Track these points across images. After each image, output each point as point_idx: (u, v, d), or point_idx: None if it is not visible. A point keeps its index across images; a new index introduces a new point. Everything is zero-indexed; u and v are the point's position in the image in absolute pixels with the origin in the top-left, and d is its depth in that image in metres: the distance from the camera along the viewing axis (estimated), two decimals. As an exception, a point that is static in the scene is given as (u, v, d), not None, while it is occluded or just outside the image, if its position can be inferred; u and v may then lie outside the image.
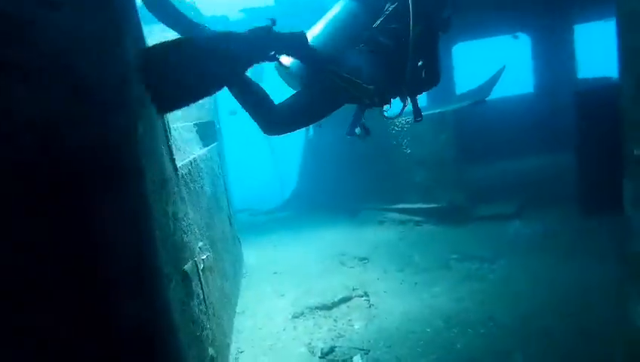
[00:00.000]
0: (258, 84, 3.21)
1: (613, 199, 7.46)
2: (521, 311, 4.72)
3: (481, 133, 9.71)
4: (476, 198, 8.58)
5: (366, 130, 3.75)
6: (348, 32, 3.34)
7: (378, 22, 3.36)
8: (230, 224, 6.56)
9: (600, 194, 7.62)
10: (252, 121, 3.26)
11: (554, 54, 10.49)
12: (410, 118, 3.89)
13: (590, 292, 4.77)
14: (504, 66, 10.37)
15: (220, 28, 3.25)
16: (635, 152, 2.31)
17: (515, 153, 10.74)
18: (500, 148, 10.53)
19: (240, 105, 3.21)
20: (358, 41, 3.33)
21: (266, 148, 16.53)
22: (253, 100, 3.17)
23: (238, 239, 7.35)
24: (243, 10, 11.93)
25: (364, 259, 6.97)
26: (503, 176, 9.54)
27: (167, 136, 3.21)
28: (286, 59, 3.22)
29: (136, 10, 2.30)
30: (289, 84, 3.42)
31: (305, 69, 3.23)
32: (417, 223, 8.31)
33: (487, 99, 9.59)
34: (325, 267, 6.88)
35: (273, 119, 3.25)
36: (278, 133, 3.39)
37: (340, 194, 10.03)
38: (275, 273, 6.89)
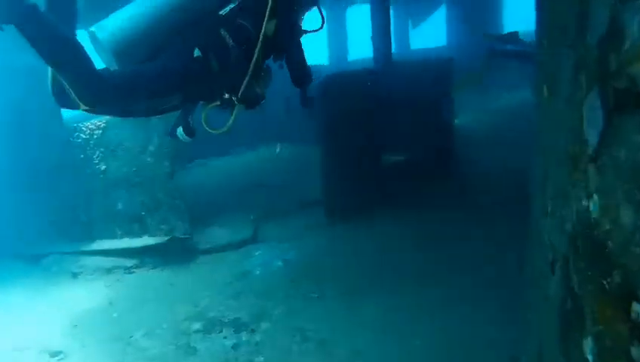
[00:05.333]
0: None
1: (360, 201, 6.78)
2: None
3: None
4: (203, 221, 6.84)
5: (191, 132, 3.11)
6: (183, 14, 2.77)
7: (227, 9, 2.87)
8: None
9: (347, 196, 6.88)
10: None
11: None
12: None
13: None
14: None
15: None
16: None
17: (237, 149, 9.49)
18: (218, 145, 9.11)
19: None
20: (195, 29, 2.81)
21: None
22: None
23: None
24: None
25: (58, 353, 4.53)
26: (229, 185, 8.07)
27: None
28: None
29: None
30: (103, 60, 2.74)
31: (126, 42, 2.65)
32: (129, 270, 6.12)
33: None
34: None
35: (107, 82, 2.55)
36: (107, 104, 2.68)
37: (11, 233, 6.99)
38: None
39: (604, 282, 1.54)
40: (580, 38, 1.58)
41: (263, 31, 2.81)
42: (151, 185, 6.62)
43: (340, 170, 6.61)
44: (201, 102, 3.05)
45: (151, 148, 6.60)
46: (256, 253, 6.11)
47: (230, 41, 2.81)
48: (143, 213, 6.66)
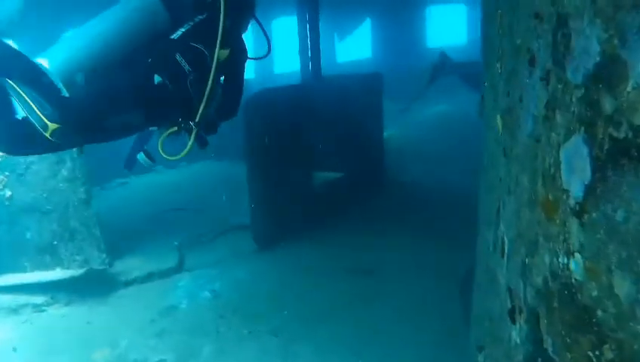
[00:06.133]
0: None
1: (290, 225, 6.49)
2: None
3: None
4: (123, 249, 6.34)
5: (151, 157, 3.05)
6: (137, 38, 2.71)
7: (179, 32, 2.76)
8: None
9: (276, 220, 6.57)
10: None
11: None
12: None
13: None
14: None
15: None
16: None
17: (158, 167, 8.99)
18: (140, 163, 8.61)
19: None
20: (151, 55, 2.72)
21: None
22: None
23: None
24: None
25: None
26: (151, 207, 7.57)
27: None
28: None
29: None
30: None
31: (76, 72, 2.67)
32: (38, 308, 5.50)
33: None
34: None
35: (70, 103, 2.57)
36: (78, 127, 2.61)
37: None
38: None
39: (591, 354, 1.33)
40: (556, 72, 1.38)
41: (216, 55, 2.73)
42: (64, 213, 6.05)
43: (268, 192, 6.30)
44: (157, 130, 2.97)
45: (64, 172, 6.03)
46: (182, 284, 5.67)
47: (187, 66, 2.74)
48: (55, 243, 6.06)
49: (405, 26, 15.40)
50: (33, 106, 2.49)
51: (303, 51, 8.35)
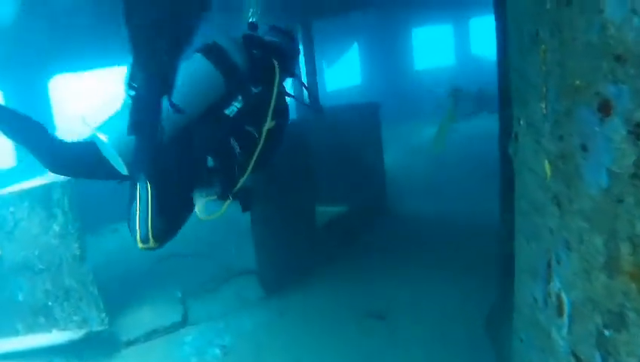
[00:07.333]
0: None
1: (298, 267, 6.19)
2: None
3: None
4: (122, 304, 6.01)
5: None
6: (197, 111, 2.58)
7: (234, 108, 2.73)
8: None
9: (283, 263, 6.27)
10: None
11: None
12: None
13: None
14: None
15: None
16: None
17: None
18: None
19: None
20: (207, 138, 2.66)
21: None
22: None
23: None
24: None
25: None
26: (147, 255, 7.23)
27: None
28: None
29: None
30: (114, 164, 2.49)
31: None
32: (35, 375, 5.19)
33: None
34: None
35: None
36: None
37: None
38: None
39: None
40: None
41: (264, 133, 2.77)
42: (58, 271, 5.73)
43: (273, 234, 6.01)
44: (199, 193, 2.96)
45: (55, 227, 5.73)
46: (188, 340, 5.33)
47: (238, 149, 2.77)
48: (50, 304, 5.74)
49: (392, 50, 15.35)
50: (149, 218, 2.38)
51: (296, 83, 8.17)
